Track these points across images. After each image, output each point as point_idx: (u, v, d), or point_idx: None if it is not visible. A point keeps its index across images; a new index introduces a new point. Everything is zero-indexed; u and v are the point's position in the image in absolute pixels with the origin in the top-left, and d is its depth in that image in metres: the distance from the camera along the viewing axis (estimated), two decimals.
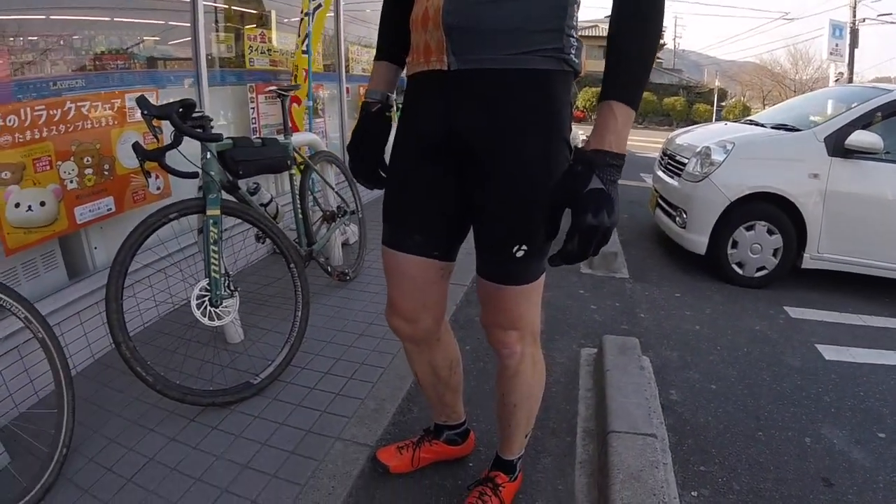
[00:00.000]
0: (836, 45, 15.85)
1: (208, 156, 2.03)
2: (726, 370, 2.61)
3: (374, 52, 1.46)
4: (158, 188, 2.56)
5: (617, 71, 1.01)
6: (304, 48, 3.41)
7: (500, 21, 1.06)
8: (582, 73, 1.21)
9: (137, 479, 1.67)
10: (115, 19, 2.53)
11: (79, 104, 2.16)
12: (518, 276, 1.21)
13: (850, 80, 15.28)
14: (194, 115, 1.99)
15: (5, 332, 1.87)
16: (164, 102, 1.95)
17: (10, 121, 1.91)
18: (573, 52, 1.12)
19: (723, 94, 26.02)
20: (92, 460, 1.73)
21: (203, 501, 1.59)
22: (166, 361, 2.20)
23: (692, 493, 1.78)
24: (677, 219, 4.05)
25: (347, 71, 4.90)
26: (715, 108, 23.61)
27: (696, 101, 25.30)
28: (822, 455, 2.04)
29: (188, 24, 2.85)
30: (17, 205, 1.94)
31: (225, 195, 2.11)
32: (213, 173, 2.02)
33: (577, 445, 1.93)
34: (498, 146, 1.12)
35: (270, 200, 2.46)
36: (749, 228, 3.74)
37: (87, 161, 2.20)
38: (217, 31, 3.20)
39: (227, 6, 3.28)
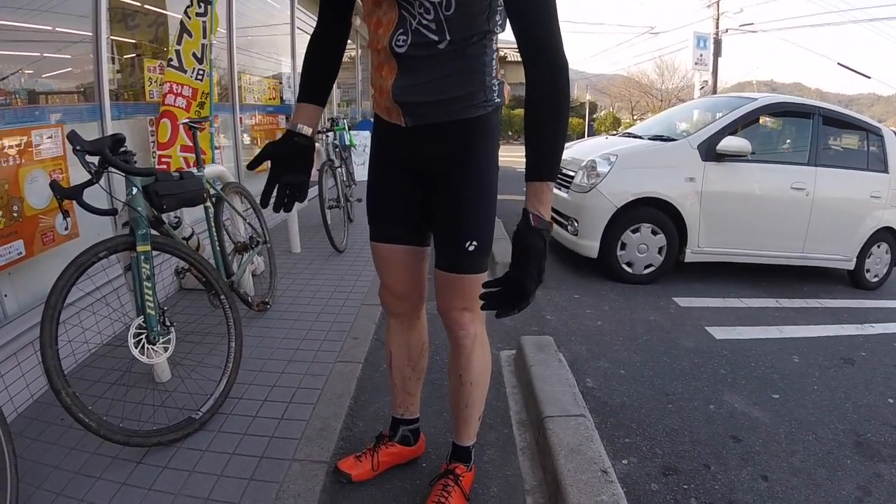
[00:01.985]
0: (701, 55, 17.60)
1: (134, 191, 2.05)
2: (631, 357, 2.99)
3: (260, 80, 1.66)
4: (66, 228, 2.50)
5: (542, 157, 1.25)
6: (199, 73, 3.41)
7: (435, 95, 1.39)
8: (507, 102, 1.58)
9: None
10: (14, 53, 2.48)
11: None
12: (471, 266, 1.51)
13: (715, 88, 17.03)
14: (121, 150, 2.03)
15: None
16: (97, 138, 1.97)
17: None
18: (495, 94, 1.46)
19: (594, 107, 27.81)
20: None
21: None
22: (97, 405, 2.18)
23: (623, 462, 2.10)
24: (569, 227, 4.51)
25: (241, 100, 4.95)
26: (587, 120, 25.21)
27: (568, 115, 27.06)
28: (727, 417, 2.45)
29: (91, 56, 2.82)
30: None
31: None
32: (140, 209, 2.04)
33: (515, 435, 2.18)
34: (445, 169, 1.47)
35: (192, 234, 2.50)
36: (635, 231, 4.27)
37: None
38: (116, 63, 3.18)
39: (127, 38, 3.26)
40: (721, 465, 2.13)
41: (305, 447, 2.00)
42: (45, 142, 2.38)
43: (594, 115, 26.88)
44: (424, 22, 1.32)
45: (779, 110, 4.64)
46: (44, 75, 2.62)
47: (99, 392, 2.30)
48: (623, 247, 4.30)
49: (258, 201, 1.62)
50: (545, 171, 1.25)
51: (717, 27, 18.03)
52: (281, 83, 6.33)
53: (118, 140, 1.98)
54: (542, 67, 1.21)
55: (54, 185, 1.93)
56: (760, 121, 4.59)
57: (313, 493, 1.78)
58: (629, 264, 4.33)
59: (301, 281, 3.78)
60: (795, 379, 2.87)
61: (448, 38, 1.33)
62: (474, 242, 1.47)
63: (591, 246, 4.31)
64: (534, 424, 2.17)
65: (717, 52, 17.69)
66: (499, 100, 1.48)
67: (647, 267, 4.33)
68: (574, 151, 5.05)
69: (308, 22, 7.46)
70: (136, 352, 2.02)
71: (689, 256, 4.32)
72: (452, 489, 1.69)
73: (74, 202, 1.95)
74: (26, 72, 2.50)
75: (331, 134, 5.05)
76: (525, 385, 2.44)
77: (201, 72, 3.38)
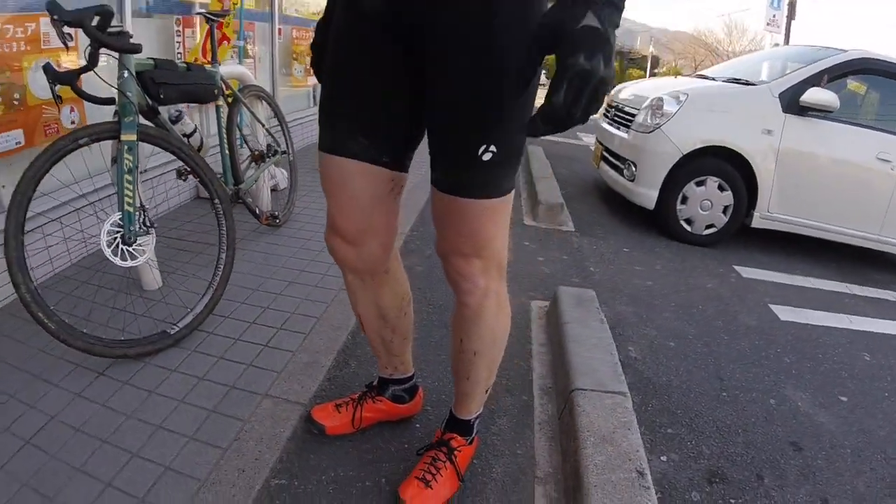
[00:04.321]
0: (774, 15, 15.69)
1: (125, 74, 1.67)
2: (683, 328, 2.47)
3: None
4: (73, 121, 2.16)
5: None
6: None
7: None
8: None
9: (37, 441, 1.37)
10: None
11: None
12: (484, 186, 0.97)
13: None
14: (112, 27, 1.61)
15: None
16: (79, 8, 1.55)
17: None
18: None
19: (655, 62, 26.00)
20: None
21: (110, 467, 1.30)
22: (74, 309, 1.86)
23: (661, 458, 1.62)
24: (625, 171, 3.87)
25: (281, 10, 4.40)
26: (648, 74, 23.60)
27: (629, 66, 25.26)
28: (789, 418, 1.92)
29: None
30: None
31: (143, 121, 1.76)
32: (129, 94, 1.66)
33: (535, 405, 1.72)
34: (453, 23, 0.87)
35: (194, 130, 2.10)
36: (700, 184, 3.61)
37: None
38: None
39: None
40: (777, 477, 1.62)
41: (283, 382, 1.63)
42: (50, 28, 2.00)
43: (655, 70, 25.08)
44: None
45: (870, 67, 3.71)
46: None
47: (83, 295, 1.99)
48: (684, 200, 3.66)
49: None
50: None
51: None
52: None
53: (106, 13, 1.56)
54: None
55: (47, 69, 1.58)
56: (848, 81, 3.76)
57: (278, 440, 1.41)
58: (688, 221, 3.69)
59: (323, 199, 3.33)
60: (866, 381, 2.28)
61: None
62: (492, 148, 0.92)
63: (648, 195, 3.68)
64: (560, 395, 1.71)
65: (791, 15, 15.67)
66: None
67: (707, 227, 3.68)
68: (639, 88, 4.33)
69: None
70: (108, 252, 1.67)
71: (757, 221, 3.65)
72: (443, 465, 1.27)
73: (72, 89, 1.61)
74: None
75: None
76: (556, 345, 1.98)
77: None
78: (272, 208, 2.88)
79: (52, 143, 1.55)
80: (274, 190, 3.23)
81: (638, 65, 24.62)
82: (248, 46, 3.73)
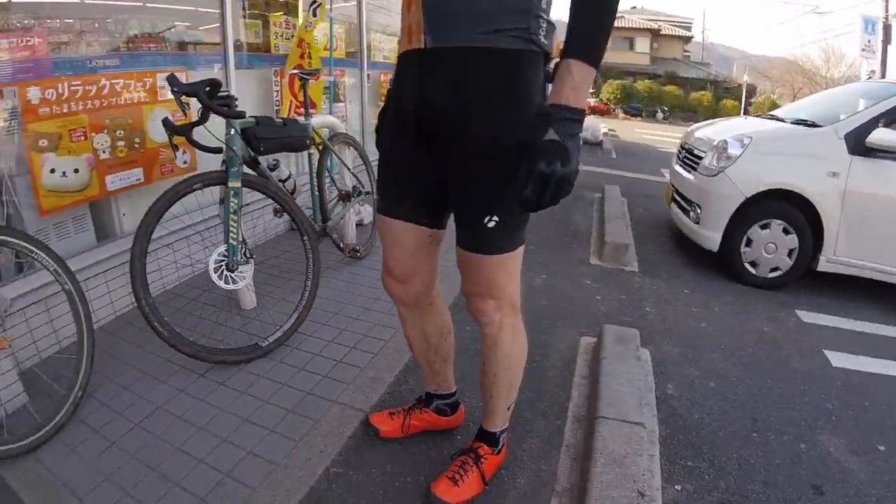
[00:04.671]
0: (869, 40, 14.56)
1: (232, 132, 2.07)
2: (728, 369, 2.54)
3: (395, 39, 1.47)
4: (185, 162, 2.62)
5: (576, 32, 1.04)
6: (307, 24, 3.37)
7: (472, 2, 1.09)
8: (553, 54, 1.20)
9: (145, 424, 1.74)
10: (148, 5, 2.60)
11: (113, 81, 2.23)
12: (491, 246, 1.23)
13: (883, 76, 14.25)
14: (220, 93, 2.04)
15: (34, 284, 1.95)
16: (193, 81, 1.99)
17: (48, 94, 1.99)
18: (542, 33, 1.13)
19: (752, 90, 24.67)
20: (105, 404, 1.81)
21: (204, 448, 1.65)
22: (183, 321, 2.27)
23: (675, 487, 1.74)
24: (691, 213, 3.92)
25: (369, 58, 4.87)
26: (743, 104, 22.38)
27: (723, 96, 24.18)
28: (817, 462, 1.96)
29: (217, 11, 2.89)
30: (53, 170, 2.03)
31: (246, 170, 2.16)
32: (235, 148, 2.06)
33: (566, 430, 1.91)
34: (463, 121, 1.15)
35: (289, 177, 2.49)
36: (764, 227, 3.61)
37: (120, 134, 2.28)
38: (244, 17, 3.25)
39: None
40: None
41: (351, 393, 1.93)
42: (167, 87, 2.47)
43: (752, 99, 23.80)
44: None
45: None
46: (173, 26, 2.71)
47: (191, 310, 2.40)
48: (748, 243, 3.65)
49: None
50: (578, 47, 1.04)
51: (887, 10, 14.59)
52: None
53: (214, 84, 1.99)
54: None
55: (166, 122, 2.01)
56: None
57: (340, 437, 1.71)
58: (753, 264, 3.68)
59: None
60: None
61: None
62: (494, 218, 1.18)
63: (712, 237, 3.71)
64: (587, 422, 1.89)
65: (887, 39, 14.43)
66: (545, 41, 1.15)
67: (773, 270, 3.65)
68: (707, 131, 4.36)
69: None
70: (214, 276, 2.06)
71: (823, 265, 3.57)
72: (470, 468, 1.51)
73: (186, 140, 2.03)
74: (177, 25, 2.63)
75: None
76: (593, 378, 2.15)
77: (310, 22, 3.35)
78: (357, 242, 3.25)
79: (173, 186, 1.97)
80: (360, 224, 3.61)
81: (733, 94, 23.62)
82: (340, 91, 4.19)
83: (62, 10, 2.16)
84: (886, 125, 3.40)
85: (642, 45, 30.12)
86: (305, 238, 2.25)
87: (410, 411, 1.73)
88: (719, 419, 2.14)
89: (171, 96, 1.99)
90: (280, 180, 2.42)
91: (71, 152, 2.09)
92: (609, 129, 11.99)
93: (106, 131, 2.22)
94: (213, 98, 2.01)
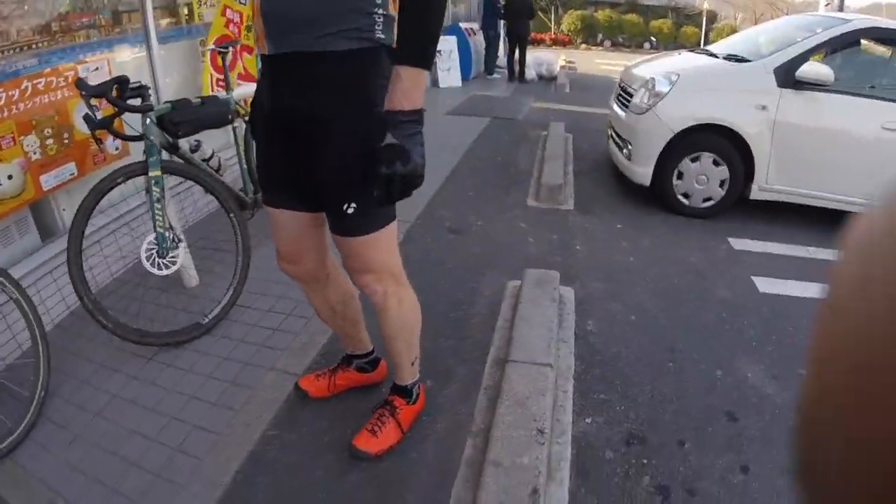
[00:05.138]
0: None
1: (147, 122, 2.12)
2: (650, 302, 2.70)
3: None
4: (117, 148, 2.66)
5: (403, 38, 1.13)
6: None
7: (304, 7, 1.15)
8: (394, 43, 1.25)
9: (104, 413, 1.89)
10: None
11: (35, 82, 2.24)
12: (357, 229, 1.35)
13: (841, 8, 14.06)
14: (131, 86, 2.08)
15: None
16: (100, 82, 2.03)
17: None
18: (378, 28, 1.20)
19: (712, 17, 24.08)
20: (67, 400, 1.95)
21: (155, 427, 1.81)
22: (128, 308, 2.37)
23: (586, 420, 1.91)
24: (623, 150, 4.03)
25: None
26: (703, 31, 21.82)
27: (684, 23, 23.67)
28: (732, 388, 2.07)
29: None
30: None
31: (169, 155, 2.23)
32: (152, 137, 2.11)
33: (485, 373, 2.07)
34: (314, 124, 1.24)
35: (212, 155, 2.54)
36: (694, 160, 3.73)
37: (48, 132, 2.31)
38: None
39: None
40: (700, 444, 1.83)
41: (285, 358, 2.09)
42: (91, 74, 2.47)
43: (712, 25, 23.31)
44: None
45: (875, 36, 3.66)
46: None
47: (136, 295, 2.50)
48: (680, 176, 3.78)
49: None
50: (406, 54, 1.14)
51: None
52: None
53: (122, 80, 2.03)
54: None
55: (87, 118, 2.05)
56: (863, 46, 3.73)
57: (275, 402, 1.88)
58: (686, 195, 3.82)
59: None
60: None
61: None
62: (352, 205, 1.29)
63: (643, 172, 3.83)
64: (500, 366, 2.07)
65: None
66: (383, 36, 1.22)
67: (705, 200, 3.79)
68: (642, 69, 4.38)
69: None
70: (147, 264, 2.16)
71: (756, 193, 3.73)
72: (387, 420, 1.68)
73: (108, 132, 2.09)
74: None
75: None
76: (510, 322, 2.32)
77: None
78: None
79: (95, 185, 2.04)
80: None
81: (694, 21, 23.09)
82: None
83: None
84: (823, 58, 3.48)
85: None
86: (231, 215, 2.34)
87: (335, 371, 1.89)
88: (636, 352, 2.30)
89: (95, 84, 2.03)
90: (203, 160, 2.48)
91: (2, 160, 2.14)
92: (568, 62, 11.79)
93: (34, 132, 2.25)
94: (124, 93, 2.05)
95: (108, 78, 2.29)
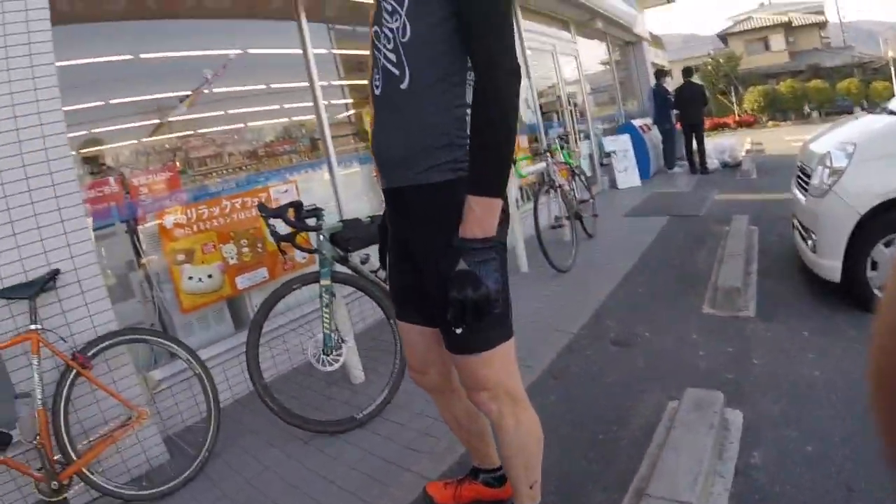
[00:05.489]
0: None
1: (321, 238, 2.50)
2: (833, 427, 2.28)
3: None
4: (304, 257, 3.14)
5: (474, 168, 1.20)
6: None
7: (402, 147, 1.30)
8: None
9: (253, 481, 2.20)
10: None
11: (233, 201, 2.81)
12: (467, 347, 1.37)
13: None
14: (307, 208, 2.49)
15: (175, 369, 2.56)
16: (277, 206, 2.52)
17: (181, 219, 2.60)
18: (468, 157, 1.25)
19: None
20: (226, 463, 2.32)
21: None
22: (299, 394, 2.70)
23: None
24: (808, 242, 3.49)
25: None
26: (895, 83, 18.61)
27: (871, 78, 20.33)
28: None
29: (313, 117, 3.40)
30: (190, 278, 2.63)
31: (340, 267, 2.58)
32: (324, 252, 2.49)
33: None
34: (419, 249, 1.36)
35: (380, 267, 2.86)
36: (889, 244, 3.11)
37: (244, 243, 2.87)
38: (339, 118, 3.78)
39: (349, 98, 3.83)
40: None
41: (423, 462, 2.18)
42: (281, 195, 3.03)
43: None
44: (388, 54, 1.27)
45: None
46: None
47: (307, 384, 2.84)
48: (874, 266, 3.14)
49: None
50: (475, 183, 1.19)
51: None
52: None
53: (297, 205, 2.46)
54: (477, 63, 1.18)
55: (273, 233, 2.51)
56: None
57: (404, 502, 1.97)
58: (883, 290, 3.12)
59: (513, 300, 3.78)
60: None
61: (408, 73, 1.24)
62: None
63: (831, 266, 3.24)
64: (639, 498, 1.88)
65: None
66: None
67: None
68: (819, 142, 3.80)
69: (539, 39, 7.14)
70: (313, 360, 2.47)
71: None
72: None
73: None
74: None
75: (548, 155, 4.91)
76: (660, 449, 2.12)
77: None
78: None
79: (274, 290, 2.45)
80: None
81: (882, 74, 19.92)
82: None
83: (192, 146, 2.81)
84: None
85: (777, 42, 27.52)
86: (391, 321, 2.58)
87: (462, 482, 1.91)
88: (807, 491, 1.95)
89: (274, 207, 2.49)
90: (372, 271, 2.79)
91: (204, 262, 2.68)
92: (754, 144, 10.94)
93: (232, 242, 2.81)
94: (300, 214, 2.45)
95: (295, 198, 2.78)
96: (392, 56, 1.26)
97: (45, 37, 2.26)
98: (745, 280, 3.87)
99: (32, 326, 2.11)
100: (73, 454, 2.12)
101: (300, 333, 3.03)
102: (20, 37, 2.21)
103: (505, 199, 1.26)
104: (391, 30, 1.25)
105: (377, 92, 1.33)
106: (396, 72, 1.26)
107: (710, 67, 24.79)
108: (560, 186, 4.78)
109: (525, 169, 4.66)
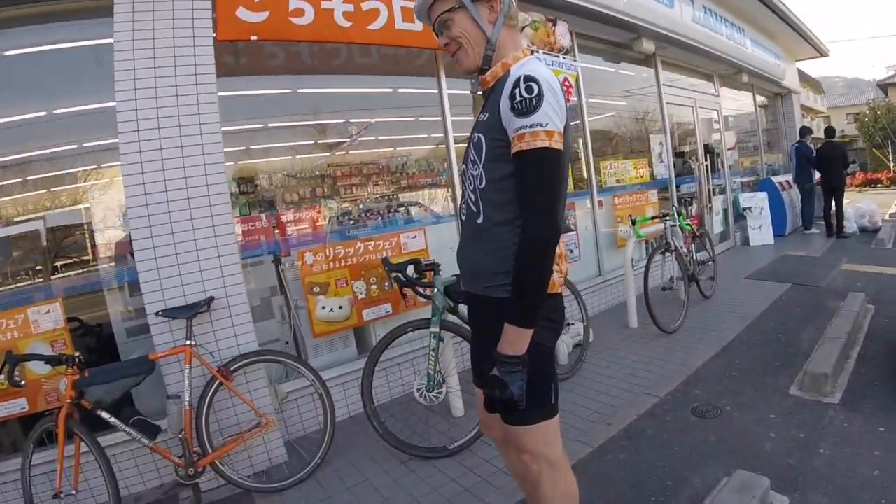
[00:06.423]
0: None
1: (435, 290, 3.00)
2: None
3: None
4: (425, 298, 3.66)
5: (514, 303, 1.46)
6: None
7: (473, 266, 1.65)
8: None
9: (353, 489, 2.72)
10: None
11: (366, 244, 3.40)
12: (510, 420, 1.60)
13: None
14: (425, 263, 3.00)
15: (301, 384, 3.16)
16: (399, 262, 3.07)
17: (319, 257, 3.23)
18: None
19: None
20: (334, 470, 2.87)
21: None
22: (405, 419, 3.20)
23: None
24: None
25: (599, 185, 5.59)
26: None
27: None
28: None
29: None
30: (323, 307, 3.25)
31: (450, 316, 3.04)
32: (437, 302, 2.98)
33: None
34: (482, 336, 1.72)
35: None
36: None
37: (372, 280, 3.43)
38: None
39: None
40: None
41: (493, 496, 2.56)
42: (410, 241, 3.58)
43: None
44: (470, 194, 1.60)
45: None
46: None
47: (413, 411, 3.33)
48: None
49: None
50: (513, 314, 1.44)
51: None
52: (650, 159, 6.62)
53: (416, 262, 3.00)
54: (522, 228, 1.45)
55: (398, 278, 3.05)
56: None
57: None
58: None
59: (613, 357, 4.16)
60: None
61: (482, 213, 1.56)
62: None
63: None
64: None
65: None
66: None
67: None
68: None
69: (678, 93, 7.19)
70: (416, 395, 2.98)
71: None
72: None
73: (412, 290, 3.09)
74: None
75: (668, 219, 5.04)
76: None
77: None
78: (568, 363, 3.88)
79: (392, 329, 2.97)
80: (577, 346, 4.12)
81: None
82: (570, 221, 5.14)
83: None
84: None
85: None
86: None
87: None
88: None
89: (412, 248, 3.00)
90: None
91: (336, 295, 3.28)
92: None
93: (362, 279, 3.39)
94: (420, 268, 2.99)
95: (422, 245, 3.36)
96: (472, 196, 1.60)
97: (212, 98, 2.80)
98: (841, 365, 3.73)
99: (187, 342, 2.61)
100: (209, 448, 2.66)
101: (410, 367, 3.56)
102: (190, 98, 2.75)
103: (562, 308, 1.63)
104: (473, 176, 1.58)
105: (462, 218, 1.68)
106: (475, 209, 1.60)
107: (866, 119, 23.08)
108: (676, 249, 4.86)
109: (643, 230, 4.92)
